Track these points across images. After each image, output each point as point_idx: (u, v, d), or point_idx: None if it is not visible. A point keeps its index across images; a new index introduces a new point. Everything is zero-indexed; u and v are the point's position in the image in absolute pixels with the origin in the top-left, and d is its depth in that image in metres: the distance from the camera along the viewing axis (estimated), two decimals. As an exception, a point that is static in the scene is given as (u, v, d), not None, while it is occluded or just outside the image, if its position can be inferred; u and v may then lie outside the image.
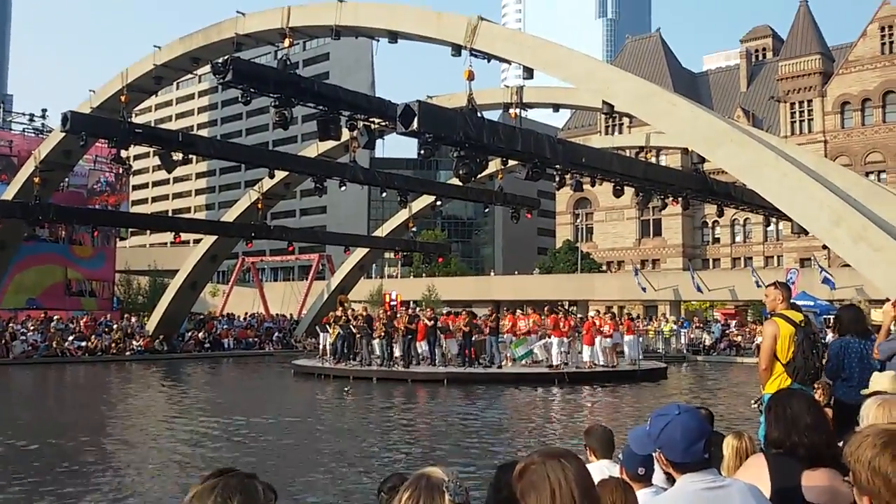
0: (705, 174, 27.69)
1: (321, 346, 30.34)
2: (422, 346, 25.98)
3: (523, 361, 25.45)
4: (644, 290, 50.50)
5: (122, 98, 25.61)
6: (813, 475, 2.95)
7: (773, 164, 15.65)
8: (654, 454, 2.85)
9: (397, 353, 26.32)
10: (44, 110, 45.73)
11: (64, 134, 26.50)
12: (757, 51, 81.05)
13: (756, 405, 6.91)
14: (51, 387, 26.17)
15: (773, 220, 33.55)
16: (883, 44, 62.51)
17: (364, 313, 28.57)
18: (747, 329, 41.64)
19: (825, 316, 35.54)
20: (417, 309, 30.89)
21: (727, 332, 41.53)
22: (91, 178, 45.61)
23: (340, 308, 29.03)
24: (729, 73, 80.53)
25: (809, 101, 65.71)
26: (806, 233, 22.09)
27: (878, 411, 3.39)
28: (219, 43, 23.33)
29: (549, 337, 25.34)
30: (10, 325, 34.08)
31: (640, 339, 34.05)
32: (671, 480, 2.86)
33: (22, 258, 38.05)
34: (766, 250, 68.51)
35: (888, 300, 7.11)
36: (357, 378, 24.99)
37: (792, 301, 6.64)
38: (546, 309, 28.08)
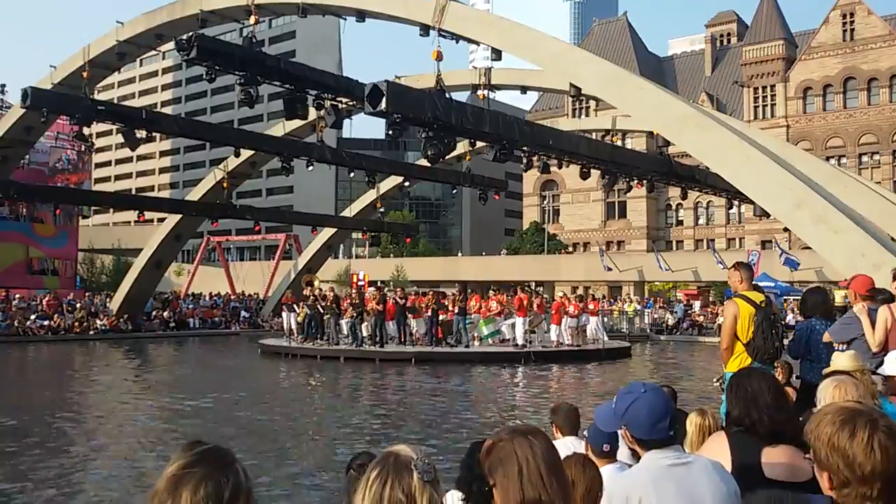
0: (670, 157, 28.01)
1: (286, 326, 30.24)
2: (390, 326, 26.02)
3: (490, 340, 25.61)
4: (609, 270, 50.97)
5: (84, 74, 25.17)
6: (773, 452, 3.04)
7: (737, 147, 15.87)
8: (619, 431, 2.91)
9: (365, 332, 26.33)
10: (2, 86, 44.66)
11: (24, 110, 25.94)
12: (722, 35, 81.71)
13: (718, 383, 7.05)
14: (13, 366, 25.78)
15: (736, 202, 33.96)
16: (844, 31, 63.40)
17: (331, 293, 28.50)
18: (709, 309, 42.28)
19: (785, 297, 36.21)
20: (386, 289, 30.86)
21: (690, 312, 42.12)
22: (52, 156, 44.72)
23: (308, 288, 28.89)
24: (694, 58, 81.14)
25: (773, 87, 66.51)
26: (768, 215, 22.45)
27: (835, 391, 3.50)
28: (183, 19, 22.99)
29: (514, 317, 25.50)
30: (-31, 304, 33.49)
31: (605, 319, 34.44)
32: (636, 457, 2.92)
33: (-19, 236, 37.33)
34: (728, 232, 69.46)
35: (845, 280, 7.27)
36: (325, 357, 24.95)
37: (753, 282, 6.76)
38: (513, 290, 28.23)
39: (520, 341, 24.91)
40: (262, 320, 42.86)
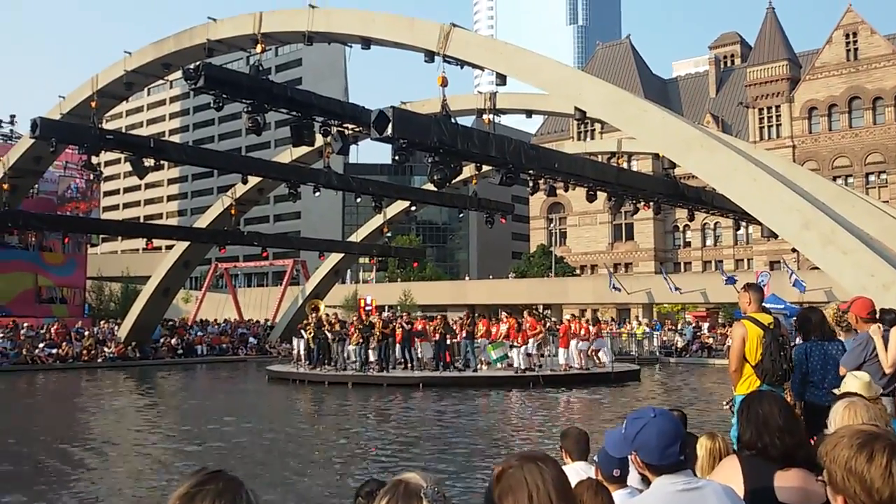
0: (676, 179, 28.01)
1: (295, 352, 30.20)
2: (397, 351, 26.00)
3: (498, 365, 25.51)
4: (618, 290, 50.67)
5: (93, 104, 25.39)
6: (785, 475, 3.01)
7: (743, 169, 15.87)
8: (629, 457, 2.89)
9: (372, 357, 26.30)
10: (12, 116, 45.19)
11: (33, 140, 26.21)
12: (725, 57, 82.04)
13: (728, 406, 7.00)
14: (22, 394, 25.77)
15: (744, 223, 33.91)
16: (848, 50, 63.57)
17: (336, 318, 28.51)
18: (718, 331, 42.07)
19: (794, 318, 36.01)
20: (394, 314, 30.88)
21: (699, 334, 41.91)
22: (61, 185, 45.05)
23: (313, 314, 28.91)
24: (698, 80, 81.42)
25: (777, 107, 66.62)
26: (776, 236, 22.40)
27: (846, 413, 3.47)
28: (190, 48, 23.21)
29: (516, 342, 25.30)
30: (-22, 333, 33.57)
31: (613, 341, 34.24)
32: (647, 482, 2.90)
33: (-10, 265, 37.51)
34: (736, 253, 69.27)
35: (846, 303, 7.23)
36: (332, 383, 24.91)
37: (762, 304, 6.74)
38: (526, 312, 28.15)
39: (518, 364, 24.81)
40: (269, 346, 42.83)
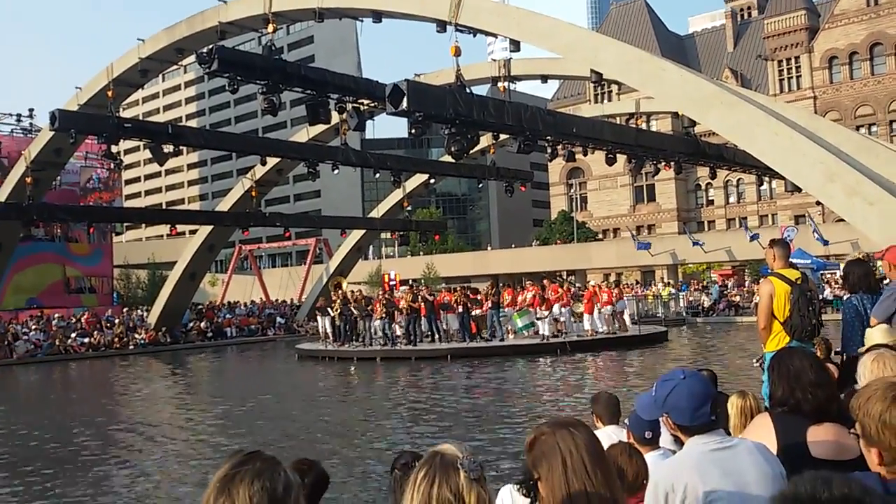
0: (696, 137, 27.69)
1: (322, 330, 30.46)
2: (423, 324, 26.13)
3: (525, 333, 25.56)
4: (646, 248, 50.12)
5: (109, 93, 25.48)
6: (818, 430, 3.01)
7: (764, 123, 15.67)
8: (661, 419, 2.90)
9: (399, 332, 26.46)
10: (30, 109, 45.42)
11: (53, 132, 26.38)
12: (742, 10, 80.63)
13: (758, 364, 6.97)
14: (58, 384, 26.25)
15: (766, 179, 33.55)
16: (868, -5, 62.24)
17: (361, 294, 28.65)
18: (745, 289, 41.83)
19: (822, 272, 35.69)
20: (414, 287, 30.98)
21: (725, 292, 41.69)
22: (83, 175, 45.42)
23: (336, 291, 29.10)
24: (715, 34, 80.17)
25: (797, 58, 65.51)
26: (800, 190, 22.14)
27: (874, 365, 3.45)
28: (202, 32, 23.19)
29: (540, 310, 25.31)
30: (12, 325, 34.12)
31: (639, 304, 34.14)
32: (679, 443, 2.91)
33: (19, 259, 37.98)
34: (760, 209, 68.62)
35: (880, 252, 7.13)
36: (361, 359, 25.11)
37: (789, 259, 6.68)
38: (546, 280, 28.14)
39: (543, 331, 24.84)
40: (297, 325, 43.20)
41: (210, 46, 19.72)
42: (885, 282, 6.48)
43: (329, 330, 29.15)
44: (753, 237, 41.25)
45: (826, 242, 38.26)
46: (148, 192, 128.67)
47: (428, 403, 15.87)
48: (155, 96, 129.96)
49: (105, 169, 45.52)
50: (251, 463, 1.73)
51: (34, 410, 18.41)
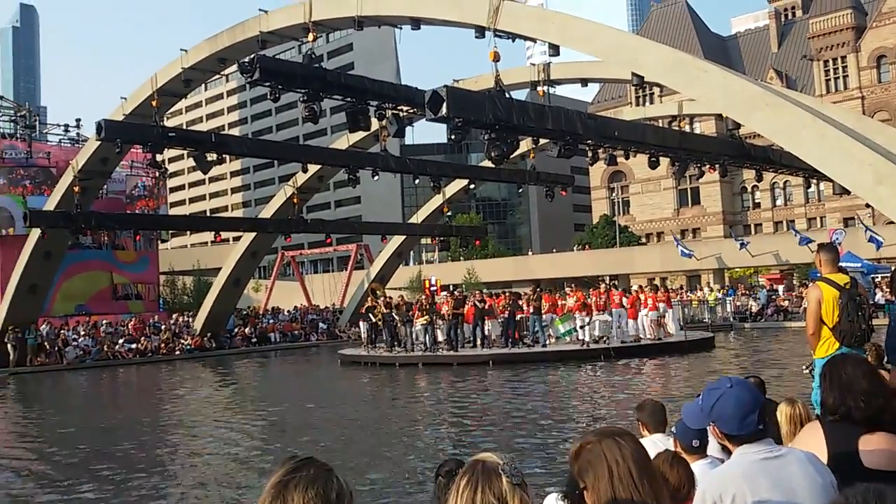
0: (741, 139, 27.30)
1: (364, 336, 30.62)
2: (467, 329, 26.12)
3: (567, 338, 25.39)
4: (689, 256, 49.54)
5: (154, 103, 25.92)
6: (871, 439, 2.94)
7: (811, 125, 15.37)
8: (708, 428, 2.85)
9: (440, 337, 26.47)
10: (78, 120, 46.45)
11: (99, 142, 26.91)
12: (786, 9, 79.40)
13: (807, 370, 6.84)
14: (108, 389, 26.77)
15: (814, 181, 32.94)
16: (918, -8, 60.85)
17: (403, 300, 28.74)
18: (794, 293, 41.05)
19: (872, 275, 34.89)
20: (461, 292, 30.97)
21: (773, 297, 40.96)
22: (129, 184, 46.32)
23: (371, 297, 29.29)
24: (759, 35, 79.03)
25: (843, 58, 64.26)
26: (848, 192, 21.68)
27: None
28: (244, 42, 23.48)
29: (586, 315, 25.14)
30: (62, 331, 34.88)
31: (685, 309, 33.69)
32: (727, 451, 2.86)
33: (68, 266, 38.81)
34: (808, 212, 67.38)
35: None
36: (403, 364, 25.18)
37: (838, 263, 6.55)
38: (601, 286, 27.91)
39: (583, 336, 24.66)
40: (339, 331, 43.49)
41: (252, 56, 19.99)
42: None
43: (370, 335, 29.29)
44: (804, 241, 40.45)
45: (880, 243, 37.41)
46: (192, 200, 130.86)
47: (471, 409, 15.84)
48: (198, 105, 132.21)
49: (150, 177, 46.36)
50: (305, 469, 1.75)
51: (91, 414, 18.79)
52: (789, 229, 56.77)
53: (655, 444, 4.03)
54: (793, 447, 2.91)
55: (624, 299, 26.12)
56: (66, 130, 45.90)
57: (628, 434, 2.13)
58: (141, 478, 10.72)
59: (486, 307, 26.46)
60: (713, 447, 3.74)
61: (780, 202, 69.98)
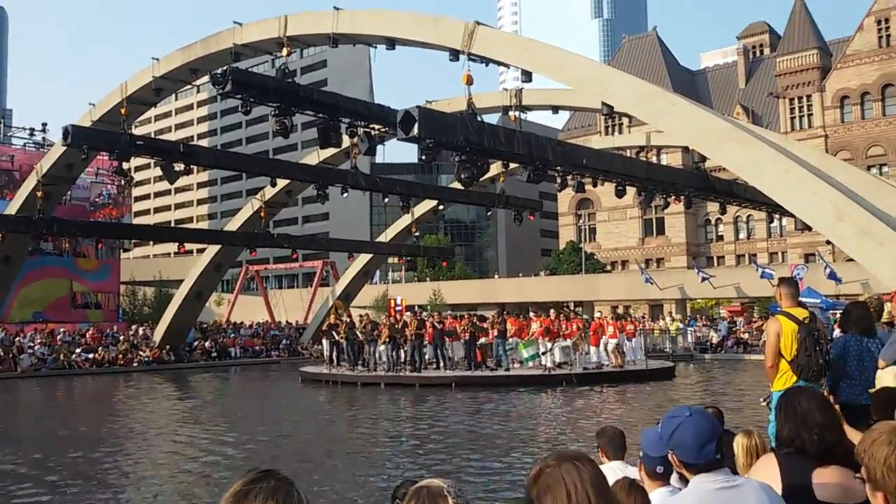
0: (707, 172, 27.70)
1: (326, 353, 30.39)
2: (429, 351, 26.04)
3: (530, 363, 25.44)
4: (650, 283, 49.99)
5: (123, 110, 25.70)
6: (824, 472, 2.97)
7: (774, 160, 15.67)
8: (667, 455, 2.87)
9: (403, 358, 26.36)
10: (44, 124, 45.87)
11: (65, 147, 26.62)
12: (754, 47, 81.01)
13: (765, 402, 6.92)
14: (61, 399, 26.21)
15: (777, 216, 33.51)
16: (880, 37, 62.48)
17: (368, 319, 28.61)
18: (754, 326, 41.59)
19: (832, 311, 35.47)
20: (423, 313, 30.91)
21: (734, 329, 41.46)
22: (93, 191, 45.70)
23: (334, 315, 29.10)
24: (727, 70, 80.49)
25: (809, 97, 65.67)
26: (810, 228, 22.09)
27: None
28: (217, 53, 23.41)
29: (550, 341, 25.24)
30: (17, 338, 34.16)
31: (647, 338, 33.96)
32: (684, 480, 2.88)
33: (27, 272, 38.10)
34: (770, 247, 68.43)
35: (889, 294, 7.10)
36: (365, 384, 25.01)
37: (798, 298, 6.65)
38: (552, 312, 28.06)
39: (548, 363, 24.76)
40: (301, 348, 43.11)
41: (224, 68, 19.90)
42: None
43: (332, 353, 29.09)
44: (766, 275, 41.04)
45: (839, 280, 38.08)
46: (157, 210, 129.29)
47: (431, 430, 15.77)
48: (168, 115, 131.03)
49: (115, 185, 45.80)
50: (265, 481, 1.72)
51: (40, 424, 18.36)
52: (751, 263, 57.59)
53: (614, 471, 4.03)
54: (749, 478, 2.94)
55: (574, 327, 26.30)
56: (32, 134, 45.29)
57: (587, 458, 2.13)
58: (92, 488, 10.49)
59: (446, 328, 26.42)
60: (673, 476, 3.75)
61: (742, 235, 71.02)
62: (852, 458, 3.12)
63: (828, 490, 2.93)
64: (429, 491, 1.93)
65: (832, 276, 38.52)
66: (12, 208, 31.76)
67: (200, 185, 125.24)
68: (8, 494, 10.43)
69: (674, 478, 3.67)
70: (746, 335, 40.15)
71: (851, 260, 19.83)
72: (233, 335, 43.06)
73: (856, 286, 37.46)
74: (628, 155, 31.67)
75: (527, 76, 18.60)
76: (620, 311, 44.96)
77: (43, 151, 39.33)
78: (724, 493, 2.63)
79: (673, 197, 29.86)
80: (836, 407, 5.98)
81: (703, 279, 46.76)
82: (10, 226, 30.08)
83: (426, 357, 26.16)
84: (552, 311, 27.93)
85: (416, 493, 1.94)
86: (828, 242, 33.93)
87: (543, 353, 24.86)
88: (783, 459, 3.10)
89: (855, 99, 63.25)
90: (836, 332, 7.05)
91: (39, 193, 29.61)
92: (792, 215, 20.98)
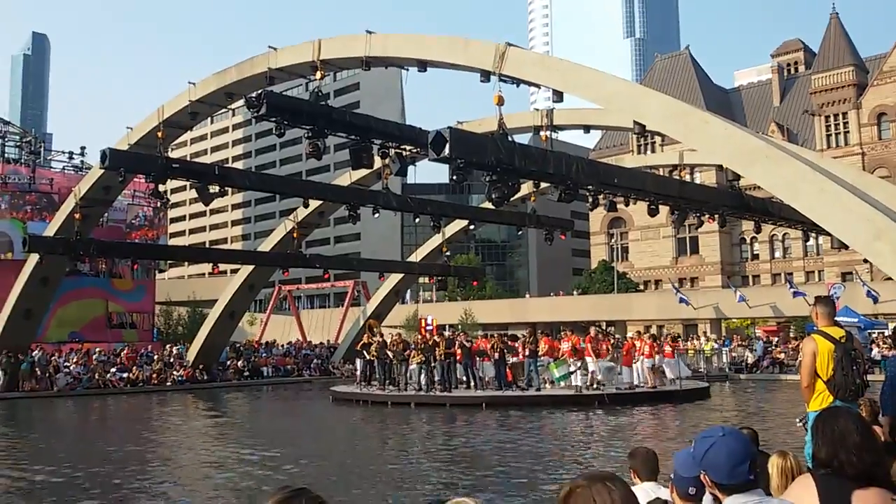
0: (741, 191, 27.41)
1: (358, 373, 30.45)
2: (459, 370, 25.97)
3: (562, 383, 25.25)
4: (687, 303, 49.40)
5: (159, 134, 26.10)
6: (863, 494, 2.92)
7: (810, 179, 15.47)
8: (699, 476, 2.84)
9: (435, 377, 26.32)
10: (82, 148, 46.77)
11: (103, 170, 27.06)
12: (789, 65, 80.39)
13: (801, 423, 6.81)
14: (96, 418, 26.52)
15: (813, 235, 33.05)
16: (918, 52, 61.67)
17: (400, 338, 28.65)
18: (790, 346, 40.93)
19: (869, 330, 34.83)
20: (453, 333, 30.87)
21: (770, 349, 40.83)
22: (130, 213, 46.46)
23: (368, 334, 29.16)
24: (761, 88, 79.89)
25: (844, 114, 64.89)
26: (846, 247, 21.74)
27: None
28: (252, 77, 23.72)
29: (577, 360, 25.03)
30: (54, 358, 34.67)
31: (680, 358, 33.58)
32: (717, 501, 2.84)
33: (64, 293, 38.71)
34: (806, 265, 67.48)
35: None
36: (395, 403, 24.99)
37: (834, 317, 6.56)
38: (592, 329, 27.86)
39: (576, 382, 24.53)
40: (333, 367, 43.23)
41: (259, 91, 20.16)
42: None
43: (364, 373, 29.14)
44: (797, 294, 40.46)
45: (877, 299, 37.40)
46: (192, 231, 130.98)
47: (460, 450, 15.70)
48: (203, 138, 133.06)
49: (151, 207, 46.51)
50: (297, 499, 1.74)
51: (75, 442, 18.59)
52: (786, 282, 56.79)
53: (646, 492, 3.99)
54: (783, 500, 2.89)
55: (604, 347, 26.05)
56: (71, 158, 46.20)
57: (618, 479, 2.12)
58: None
59: (475, 348, 26.34)
60: (706, 498, 3.70)
61: (778, 254, 70.12)
62: (892, 479, 3.07)
63: (867, 512, 2.88)
64: None
65: (870, 294, 37.84)
66: (51, 230, 32.34)
67: (235, 207, 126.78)
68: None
69: (707, 499, 3.62)
70: (783, 355, 39.49)
71: (890, 279, 19.47)
72: (265, 354, 43.31)
73: (894, 305, 36.78)
74: (661, 174, 31.44)
75: (558, 96, 18.60)
76: (654, 330, 44.54)
77: (81, 174, 40.09)
78: (759, 514, 2.59)
79: (707, 215, 29.57)
80: (888, 426, 5.87)
81: (740, 299, 46.16)
82: (48, 248, 30.63)
83: (457, 377, 26.08)
84: (592, 328, 27.74)
85: None
86: (865, 261, 33.35)
87: (572, 373, 24.66)
88: (821, 480, 3.05)
89: (892, 116, 62.38)
90: (875, 352, 6.92)
91: (77, 215, 30.13)
92: (828, 234, 20.69)
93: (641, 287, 71.35)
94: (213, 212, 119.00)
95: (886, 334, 33.87)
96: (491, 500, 9.18)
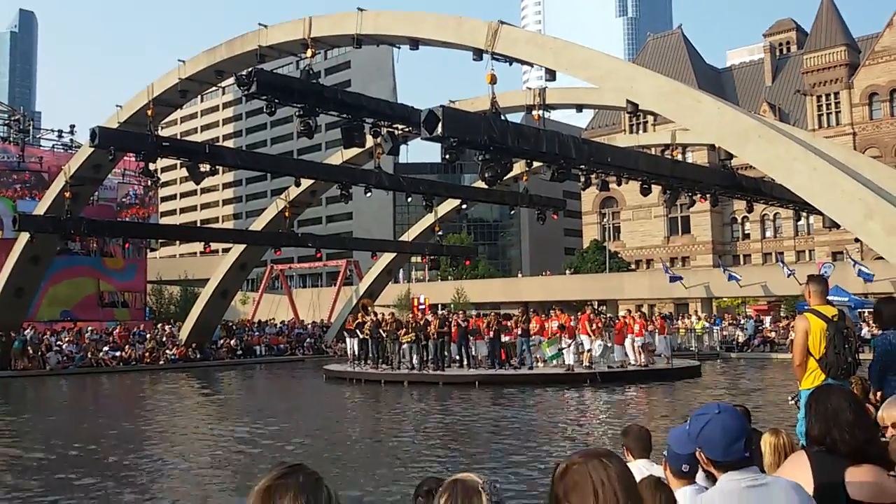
0: (733, 170, 27.47)
1: (349, 351, 30.50)
2: (452, 349, 26.04)
3: (554, 362, 25.36)
4: (678, 280, 49.40)
5: (149, 112, 25.93)
6: (857, 471, 2.93)
7: (803, 158, 15.49)
8: (694, 453, 2.85)
9: (427, 356, 26.39)
10: (72, 126, 46.30)
11: (93, 149, 26.90)
12: (781, 44, 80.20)
13: (793, 401, 6.85)
14: (89, 396, 26.51)
15: (804, 214, 33.13)
16: (911, 32, 61.62)
17: (393, 317, 28.68)
18: (781, 324, 41.18)
19: (860, 309, 35.04)
20: (448, 312, 30.91)
21: (760, 328, 41.07)
22: (120, 192, 46.20)
23: (362, 312, 29.17)
24: (753, 68, 79.75)
25: (836, 94, 64.89)
26: (838, 226, 21.83)
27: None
28: (242, 55, 23.53)
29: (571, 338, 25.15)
30: (46, 336, 34.60)
31: (671, 337, 33.78)
32: (712, 479, 2.85)
33: (55, 271, 38.58)
34: (797, 245, 67.71)
35: None
36: (388, 382, 25.07)
37: (826, 296, 6.58)
38: (587, 308, 27.93)
39: (568, 360, 24.64)
40: (325, 346, 43.30)
41: (249, 69, 20.02)
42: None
43: (356, 351, 29.19)
44: (789, 272, 40.63)
45: (870, 277, 37.56)
46: (183, 210, 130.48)
47: (453, 428, 15.77)
48: (193, 116, 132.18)
49: (141, 186, 46.26)
50: (294, 476, 1.73)
51: (70, 420, 18.59)
52: (778, 261, 56.96)
53: (639, 469, 4.01)
54: (778, 476, 2.91)
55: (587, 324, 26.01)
56: (60, 136, 45.78)
57: (614, 456, 2.12)
58: (123, 483, 10.61)
59: (470, 327, 26.41)
60: (700, 475, 3.72)
61: (769, 234, 70.33)
62: (886, 456, 3.09)
63: (861, 489, 2.90)
64: (463, 485, 1.92)
65: (863, 274, 38.00)
66: (41, 209, 32.17)
67: (226, 186, 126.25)
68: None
69: (700, 476, 3.64)
70: (773, 334, 39.74)
71: (880, 258, 19.57)
72: (258, 333, 43.33)
73: (885, 284, 36.98)
74: (653, 153, 31.43)
75: (550, 75, 18.53)
76: (645, 309, 44.70)
77: (71, 153, 39.79)
78: (753, 491, 2.60)
79: (699, 195, 29.62)
80: (877, 401, 5.91)
81: (731, 279, 46.29)
82: (38, 226, 30.49)
83: (450, 355, 26.15)
84: (588, 307, 27.77)
85: (450, 486, 1.93)
86: (856, 240, 33.54)
87: (563, 349, 24.77)
88: (815, 458, 3.06)
89: (884, 96, 62.42)
90: (865, 331, 6.96)
91: (67, 194, 29.97)
92: (820, 213, 20.75)
93: (633, 266, 71.53)
94: (203, 191, 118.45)
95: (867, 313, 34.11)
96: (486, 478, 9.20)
